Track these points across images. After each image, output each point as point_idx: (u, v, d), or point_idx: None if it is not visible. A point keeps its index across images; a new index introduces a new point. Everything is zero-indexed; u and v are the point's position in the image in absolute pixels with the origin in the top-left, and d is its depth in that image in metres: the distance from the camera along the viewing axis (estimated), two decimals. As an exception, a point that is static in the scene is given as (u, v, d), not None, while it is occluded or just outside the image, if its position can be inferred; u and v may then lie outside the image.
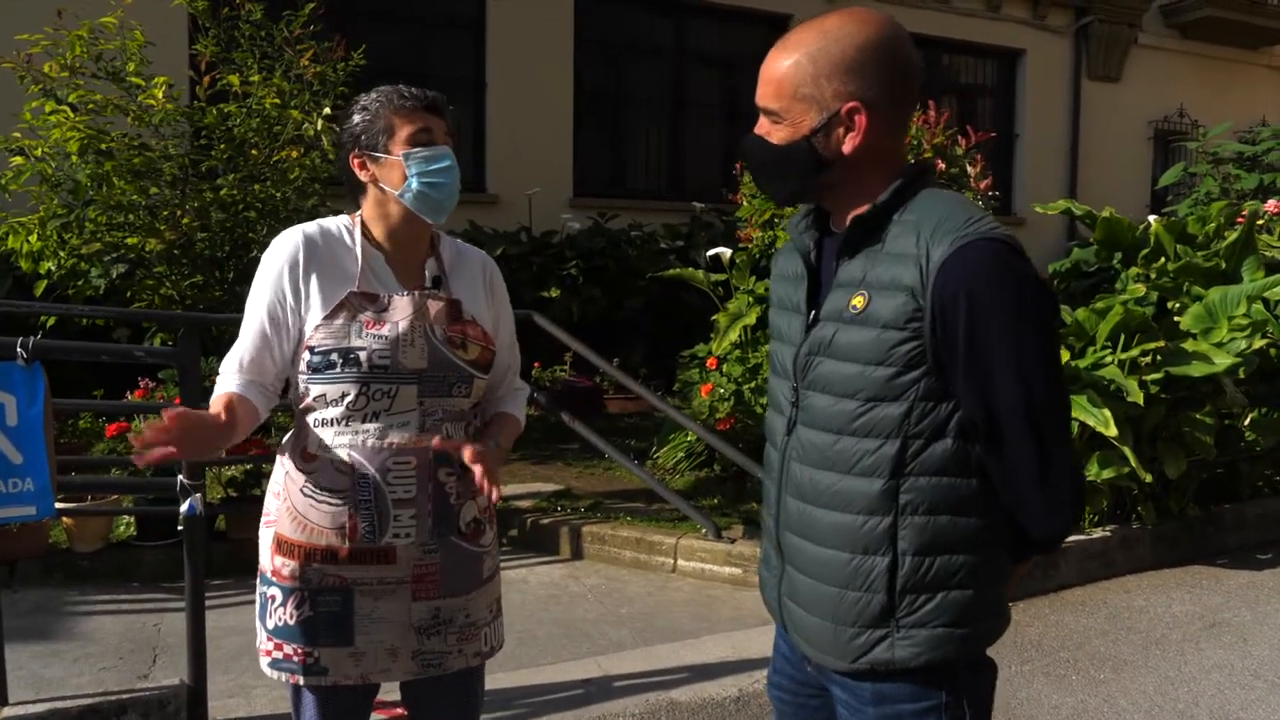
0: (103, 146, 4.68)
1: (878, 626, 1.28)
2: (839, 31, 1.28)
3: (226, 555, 3.94)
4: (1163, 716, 2.94)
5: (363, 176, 1.63)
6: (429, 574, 1.62)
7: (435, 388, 1.60)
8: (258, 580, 1.68)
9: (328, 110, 4.92)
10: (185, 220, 5.18)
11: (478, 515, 1.69)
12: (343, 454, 1.57)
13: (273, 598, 1.62)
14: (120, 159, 4.73)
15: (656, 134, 9.72)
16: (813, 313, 1.34)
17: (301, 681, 1.61)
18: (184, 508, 2.62)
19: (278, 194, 5.34)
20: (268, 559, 1.63)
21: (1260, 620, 3.72)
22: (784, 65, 1.30)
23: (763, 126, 1.36)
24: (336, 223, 1.66)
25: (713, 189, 9.56)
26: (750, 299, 5.32)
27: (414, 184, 1.59)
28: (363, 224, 1.66)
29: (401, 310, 1.60)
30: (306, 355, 1.57)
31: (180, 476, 2.64)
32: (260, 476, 4.05)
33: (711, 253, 5.32)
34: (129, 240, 4.94)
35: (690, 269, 5.61)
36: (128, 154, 4.76)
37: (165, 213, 5.25)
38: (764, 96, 1.34)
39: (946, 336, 1.20)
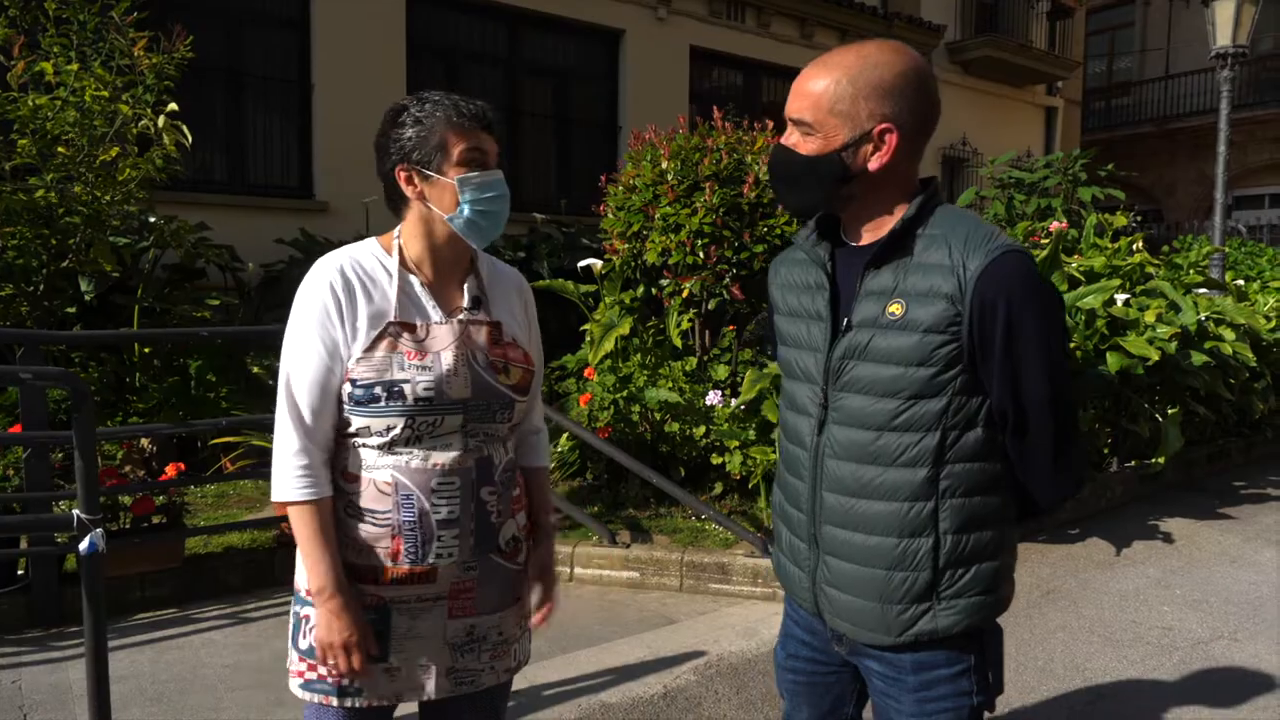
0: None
1: (922, 601, 1.41)
2: (878, 58, 1.39)
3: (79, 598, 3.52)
4: (1028, 672, 3.34)
5: (408, 191, 1.58)
6: (466, 590, 1.60)
7: (480, 415, 1.59)
8: (292, 601, 1.62)
9: (173, 106, 4.52)
10: (-11, 225, 4.61)
11: (516, 533, 1.68)
12: (386, 475, 1.54)
13: (307, 618, 1.57)
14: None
15: (492, 143, 9.64)
16: (845, 320, 1.44)
17: (335, 703, 1.56)
18: (83, 545, 2.36)
19: (105, 197, 4.86)
20: (304, 577, 1.56)
21: (1083, 586, 4.29)
22: (823, 83, 1.39)
23: (791, 138, 1.45)
24: (368, 249, 1.60)
25: (549, 200, 9.61)
26: (620, 309, 5.44)
27: (465, 210, 1.56)
28: (399, 245, 1.61)
29: (443, 340, 1.56)
30: (348, 387, 1.52)
31: (77, 512, 2.38)
32: (118, 509, 3.66)
33: (583, 264, 5.41)
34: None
35: (560, 280, 5.66)
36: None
37: (-39, 215, 4.66)
38: (798, 109, 1.42)
39: (983, 337, 1.34)
